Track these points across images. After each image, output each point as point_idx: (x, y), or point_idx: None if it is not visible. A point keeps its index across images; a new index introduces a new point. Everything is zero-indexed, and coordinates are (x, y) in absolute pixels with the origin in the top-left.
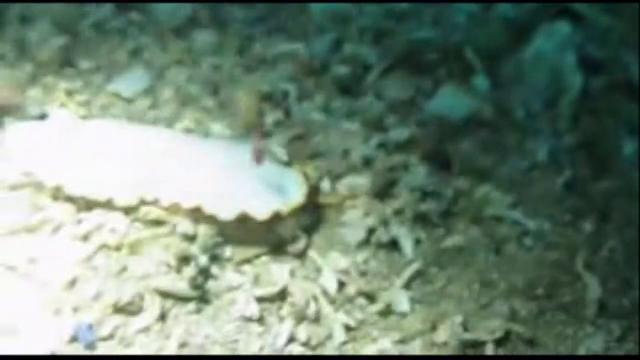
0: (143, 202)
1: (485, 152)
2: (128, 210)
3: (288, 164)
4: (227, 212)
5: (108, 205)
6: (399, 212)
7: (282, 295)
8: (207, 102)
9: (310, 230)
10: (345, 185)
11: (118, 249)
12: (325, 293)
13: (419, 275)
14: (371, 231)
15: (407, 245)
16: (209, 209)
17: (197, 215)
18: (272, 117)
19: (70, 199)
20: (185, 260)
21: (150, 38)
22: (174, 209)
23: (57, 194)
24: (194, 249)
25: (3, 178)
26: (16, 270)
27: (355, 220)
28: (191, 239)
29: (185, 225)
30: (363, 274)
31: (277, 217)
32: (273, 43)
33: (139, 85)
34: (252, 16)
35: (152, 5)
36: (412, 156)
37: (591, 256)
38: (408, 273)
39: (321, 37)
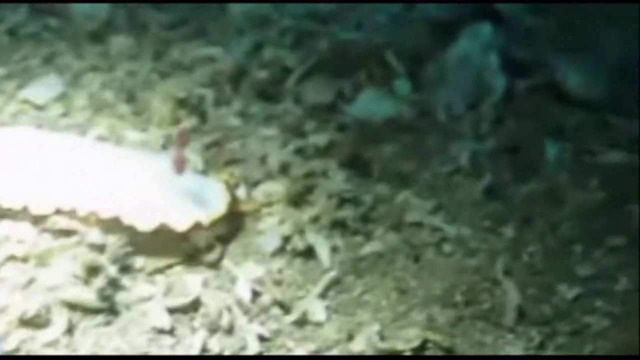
0: (59, 212)
1: (406, 156)
2: (36, 220)
3: (204, 172)
4: (146, 223)
5: (22, 213)
6: (315, 219)
7: (195, 306)
8: (122, 109)
9: (225, 238)
10: (261, 192)
11: (25, 260)
12: (239, 303)
13: (335, 283)
14: (286, 239)
15: (323, 252)
16: (127, 220)
17: (113, 225)
18: (187, 123)
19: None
20: (93, 270)
21: (65, 43)
22: (90, 219)
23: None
24: (103, 259)
25: None
26: None
27: (270, 228)
28: (100, 248)
29: (94, 235)
30: (278, 282)
31: (196, 228)
32: (191, 47)
33: (52, 92)
34: (170, 19)
35: (68, 10)
36: (330, 161)
37: (511, 262)
38: (324, 281)
39: (240, 40)
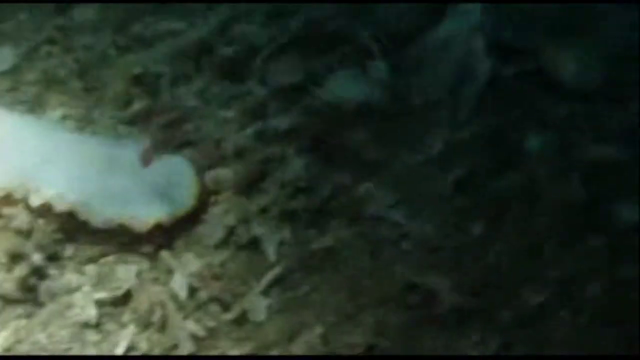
0: (9, 197)
1: (375, 144)
2: None
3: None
4: (103, 221)
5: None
6: (264, 209)
7: (125, 299)
8: (74, 85)
9: (165, 227)
10: (210, 178)
11: None
12: (174, 298)
13: (280, 280)
14: (231, 230)
15: (270, 246)
16: (83, 215)
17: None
18: (141, 102)
19: None
20: (17, 257)
21: (27, 14)
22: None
23: None
24: (28, 246)
25: None
26: None
27: (215, 218)
28: (27, 234)
29: (20, 219)
30: (218, 277)
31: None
32: (154, 20)
33: (2, 65)
34: None
35: None
36: (290, 147)
37: (475, 261)
38: (268, 277)
39: (207, 15)
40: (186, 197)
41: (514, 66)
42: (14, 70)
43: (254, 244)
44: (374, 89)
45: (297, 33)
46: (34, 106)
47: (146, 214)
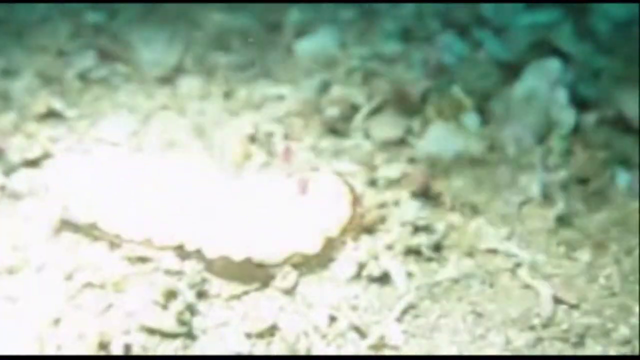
0: (181, 247)
1: (477, 187)
2: (112, 248)
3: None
4: (278, 255)
5: (145, 244)
6: (390, 246)
7: (272, 331)
8: (193, 145)
9: (299, 266)
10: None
11: (103, 286)
12: (315, 328)
13: (411, 308)
14: (362, 265)
15: (399, 278)
16: (258, 258)
17: (187, 251)
18: (258, 158)
19: (103, 236)
20: (171, 295)
21: (135, 86)
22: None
23: (91, 231)
24: (181, 285)
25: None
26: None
27: (345, 255)
28: (177, 274)
29: (169, 261)
30: (354, 308)
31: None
32: (259, 87)
33: (124, 130)
34: (237, 61)
35: (136, 55)
36: (402, 192)
37: (587, 285)
38: (400, 306)
39: (308, 80)
40: (341, 206)
41: (594, 114)
42: (135, 134)
43: (383, 277)
44: (469, 139)
45: (392, 92)
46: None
47: (314, 236)
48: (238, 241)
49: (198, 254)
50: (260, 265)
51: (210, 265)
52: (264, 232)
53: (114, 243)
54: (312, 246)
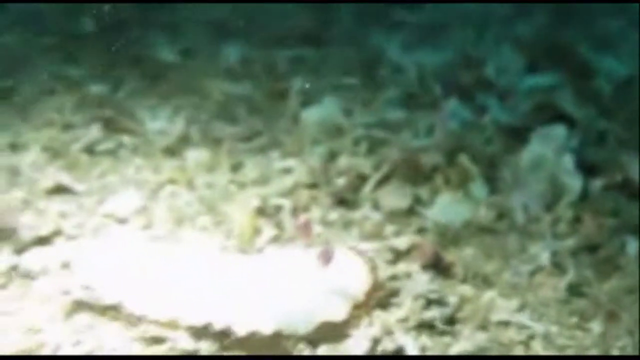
0: (211, 327)
1: (487, 257)
2: (126, 328)
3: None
4: (306, 326)
5: (170, 324)
6: (403, 320)
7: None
8: (203, 220)
9: (313, 342)
10: None
11: None
12: None
13: None
14: (376, 341)
15: (414, 353)
16: (286, 330)
17: (200, 330)
18: (268, 232)
19: (118, 317)
20: None
21: (142, 158)
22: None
23: (115, 313)
24: None
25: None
26: None
27: (359, 330)
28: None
29: (184, 341)
30: None
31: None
32: (266, 158)
33: (132, 205)
34: (244, 132)
35: (142, 127)
36: (413, 264)
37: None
38: None
39: (315, 150)
40: (360, 279)
41: (601, 179)
42: (144, 210)
43: (398, 352)
44: (477, 208)
45: (398, 161)
46: (169, 241)
47: (338, 305)
48: (266, 315)
49: (218, 333)
50: (289, 338)
51: (223, 343)
52: (291, 304)
53: (130, 323)
54: (340, 314)
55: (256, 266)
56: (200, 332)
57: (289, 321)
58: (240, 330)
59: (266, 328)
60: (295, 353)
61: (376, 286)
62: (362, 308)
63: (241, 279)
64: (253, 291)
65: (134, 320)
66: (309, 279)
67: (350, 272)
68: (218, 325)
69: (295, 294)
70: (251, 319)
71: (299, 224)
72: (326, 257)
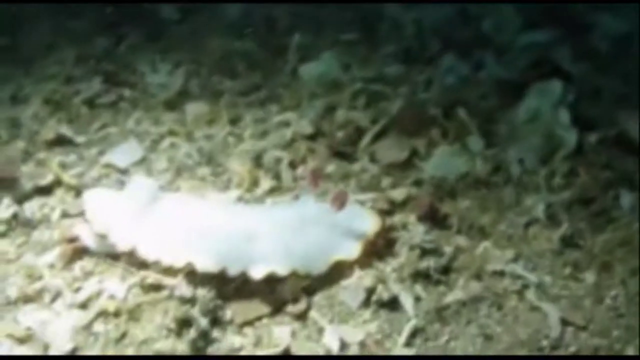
0: (224, 271)
1: (482, 209)
2: (125, 276)
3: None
4: (320, 266)
5: (186, 269)
6: (398, 270)
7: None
8: (202, 171)
9: (310, 291)
10: None
11: (117, 314)
12: (328, 352)
13: (420, 331)
14: (371, 290)
15: (408, 302)
16: (301, 270)
17: (200, 277)
18: (266, 183)
19: (142, 263)
20: (185, 323)
21: (142, 111)
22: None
23: (129, 258)
24: (194, 312)
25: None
26: (16, 338)
27: (354, 280)
28: (190, 302)
29: (182, 289)
30: (365, 332)
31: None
32: (265, 111)
33: (133, 157)
34: (243, 86)
35: (142, 80)
36: (409, 215)
37: (594, 306)
38: (409, 330)
39: (313, 104)
40: (371, 225)
41: (597, 134)
42: (144, 161)
43: (393, 302)
44: (474, 161)
45: (396, 115)
46: (169, 190)
47: (349, 245)
48: (281, 258)
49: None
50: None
51: (220, 291)
52: (305, 246)
53: (129, 271)
54: (353, 253)
55: (267, 213)
56: (198, 280)
57: (304, 262)
58: (257, 274)
59: (282, 269)
60: (289, 296)
61: (385, 227)
62: (373, 247)
63: (254, 225)
64: (266, 237)
65: (134, 268)
66: (321, 221)
67: (360, 214)
68: (233, 270)
69: (309, 236)
70: (267, 263)
71: (309, 171)
72: (341, 200)
